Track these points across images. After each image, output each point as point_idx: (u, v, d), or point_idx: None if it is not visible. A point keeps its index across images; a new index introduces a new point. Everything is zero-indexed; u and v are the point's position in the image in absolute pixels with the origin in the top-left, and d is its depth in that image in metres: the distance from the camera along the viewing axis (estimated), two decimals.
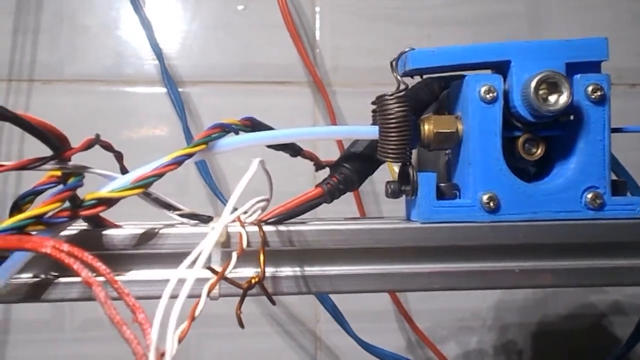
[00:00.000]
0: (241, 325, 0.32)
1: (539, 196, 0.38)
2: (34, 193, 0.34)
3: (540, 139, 0.39)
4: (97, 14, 0.77)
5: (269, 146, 0.39)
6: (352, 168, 0.40)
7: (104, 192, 0.33)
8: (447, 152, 0.41)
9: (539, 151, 0.39)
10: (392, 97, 0.36)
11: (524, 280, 0.38)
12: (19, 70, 0.76)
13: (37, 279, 0.35)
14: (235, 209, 0.34)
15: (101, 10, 0.77)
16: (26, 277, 0.35)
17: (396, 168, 0.39)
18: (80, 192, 0.33)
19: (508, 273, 0.38)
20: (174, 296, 0.31)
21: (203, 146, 0.35)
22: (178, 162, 0.34)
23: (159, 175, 0.33)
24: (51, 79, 0.76)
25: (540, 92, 0.37)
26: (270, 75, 0.78)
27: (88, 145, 0.32)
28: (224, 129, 0.36)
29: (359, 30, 0.80)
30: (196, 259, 0.30)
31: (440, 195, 0.38)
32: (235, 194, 0.33)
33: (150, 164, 0.34)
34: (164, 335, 0.27)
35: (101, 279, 0.27)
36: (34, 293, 0.35)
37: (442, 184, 0.38)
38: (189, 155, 0.34)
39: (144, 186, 0.33)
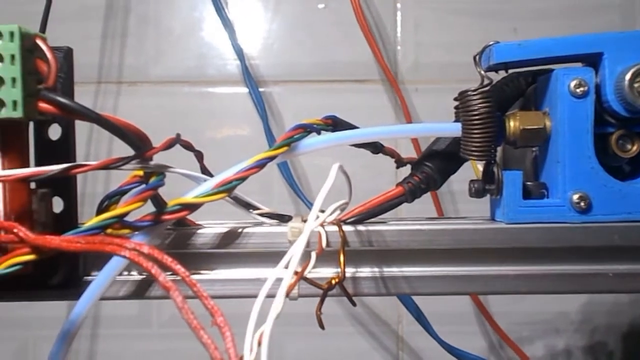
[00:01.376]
0: (321, 326, 0.31)
1: (635, 196, 0.36)
2: (119, 193, 0.35)
3: (635, 135, 0.36)
4: (181, 17, 0.78)
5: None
6: (434, 166, 0.39)
7: (188, 197, 0.33)
8: (534, 149, 0.39)
9: (635, 148, 0.36)
10: (475, 93, 0.35)
11: (618, 284, 0.36)
12: (107, 72, 0.78)
13: (134, 277, 0.36)
14: (322, 211, 0.34)
15: (185, 12, 0.79)
16: (125, 274, 0.36)
17: (480, 166, 0.38)
18: (162, 191, 0.33)
19: (601, 277, 0.36)
20: (252, 296, 0.32)
21: (285, 148, 0.35)
22: (260, 165, 0.34)
23: (242, 179, 0.33)
24: (137, 81, 0.78)
25: (635, 85, 0.34)
26: (351, 73, 0.78)
27: (169, 145, 0.33)
28: (306, 130, 0.36)
29: (442, 26, 0.78)
30: (287, 264, 0.30)
31: (527, 194, 0.36)
32: (318, 201, 0.33)
33: (233, 168, 0.34)
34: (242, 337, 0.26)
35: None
36: (134, 291, 0.36)
37: (528, 183, 0.37)
38: (271, 158, 0.34)
39: (227, 191, 0.33)
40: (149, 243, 0.32)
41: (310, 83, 0.78)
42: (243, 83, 0.77)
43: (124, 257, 0.26)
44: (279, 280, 0.31)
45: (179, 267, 0.27)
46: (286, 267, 0.31)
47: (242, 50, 0.77)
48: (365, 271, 0.36)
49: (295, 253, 0.31)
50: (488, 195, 0.38)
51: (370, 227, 0.36)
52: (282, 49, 0.78)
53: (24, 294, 0.35)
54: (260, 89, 0.77)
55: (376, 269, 0.36)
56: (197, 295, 0.26)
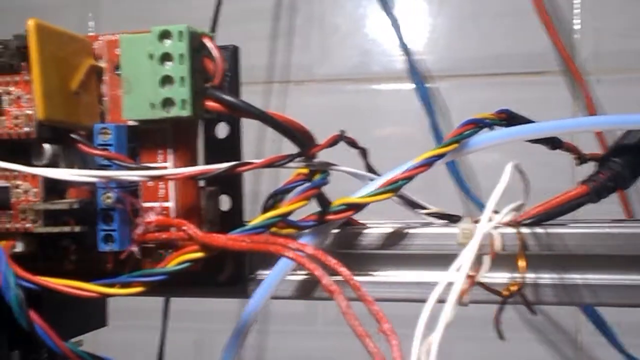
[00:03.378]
0: (501, 336, 0.29)
1: None
2: (283, 191, 0.35)
3: None
4: (346, 14, 0.78)
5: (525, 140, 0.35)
6: (623, 163, 0.35)
7: (353, 197, 0.32)
8: None
9: None
10: None
11: None
12: (276, 72, 0.80)
13: (301, 277, 0.35)
14: (495, 212, 0.31)
15: (349, 9, 0.78)
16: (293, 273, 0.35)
17: None
18: (326, 189, 0.32)
19: None
20: (418, 300, 0.30)
21: (455, 145, 0.32)
22: (428, 164, 0.32)
23: (409, 178, 0.32)
24: (303, 80, 0.79)
25: None
26: (522, 65, 0.74)
27: (333, 142, 0.32)
28: (478, 125, 0.33)
29: (626, 10, 0.71)
30: (459, 268, 0.28)
31: None
32: (492, 201, 0.30)
33: (399, 166, 0.32)
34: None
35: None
36: (301, 290, 0.35)
37: None
38: (440, 156, 0.32)
39: (393, 190, 0.31)
40: (313, 243, 0.31)
41: (479, 77, 0.75)
42: (408, 79, 0.75)
43: (288, 257, 0.25)
44: (449, 285, 0.29)
45: (343, 269, 0.26)
46: (457, 270, 0.29)
47: (408, 45, 0.75)
48: (545, 278, 0.33)
49: (467, 256, 0.29)
50: None
51: (550, 230, 0.33)
52: (448, 42, 0.76)
53: (194, 290, 0.35)
54: (427, 85, 0.75)
55: (556, 276, 0.33)
56: (362, 299, 0.25)
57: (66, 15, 0.85)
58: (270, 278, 0.32)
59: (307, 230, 0.32)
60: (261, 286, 0.32)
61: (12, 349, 0.36)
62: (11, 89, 0.31)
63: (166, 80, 0.29)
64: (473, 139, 0.33)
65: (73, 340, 0.39)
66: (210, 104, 0.29)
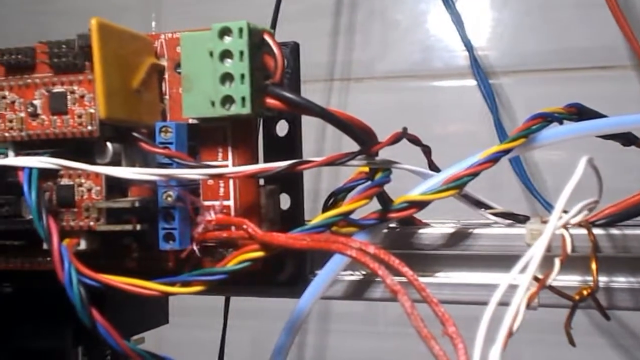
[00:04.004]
0: (572, 342, 0.27)
1: None
2: (345, 190, 0.34)
3: None
4: (407, 9, 0.77)
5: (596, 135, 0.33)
6: None
7: (416, 194, 0.31)
8: None
9: None
10: None
11: None
12: (336, 70, 0.79)
13: (353, 277, 0.35)
14: (565, 211, 0.30)
15: (411, 4, 0.77)
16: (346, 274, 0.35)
17: None
18: (387, 188, 0.32)
19: None
20: (484, 303, 0.29)
21: (522, 140, 0.31)
22: (494, 160, 0.31)
23: (474, 175, 0.31)
24: (364, 77, 0.78)
25: None
26: (591, 59, 0.71)
27: (395, 140, 0.31)
28: (546, 119, 0.32)
29: None
30: (525, 267, 0.27)
31: None
32: (562, 200, 0.29)
33: (463, 162, 0.31)
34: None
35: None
36: (353, 291, 0.35)
37: None
38: (506, 152, 0.31)
39: (457, 187, 0.30)
40: (373, 242, 0.31)
41: (544, 72, 0.72)
42: (471, 75, 0.74)
43: (350, 256, 0.25)
44: (512, 287, 0.28)
45: (406, 270, 0.25)
46: (523, 272, 0.28)
47: (470, 41, 0.73)
48: (620, 281, 0.31)
49: (534, 257, 0.28)
50: None
51: (626, 231, 0.31)
52: (512, 37, 0.74)
53: (254, 289, 0.35)
54: (490, 81, 0.73)
55: (633, 279, 0.31)
56: (427, 301, 0.24)
57: (129, 17, 0.86)
58: (320, 277, 0.31)
59: (365, 229, 0.31)
60: (311, 285, 0.31)
61: (76, 345, 0.37)
62: (75, 88, 0.31)
63: (226, 77, 0.29)
64: (541, 134, 0.32)
65: (134, 337, 0.39)
66: (271, 101, 0.29)
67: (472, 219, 0.37)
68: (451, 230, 0.34)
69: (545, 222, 0.31)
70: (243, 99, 0.28)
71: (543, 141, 0.32)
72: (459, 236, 0.34)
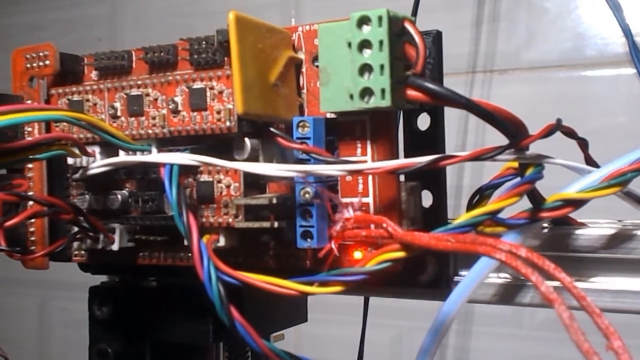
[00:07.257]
0: None
1: None
2: (492, 187, 0.32)
3: None
4: None
5: None
6: None
7: (571, 192, 0.28)
8: None
9: None
10: None
11: None
12: (478, 61, 0.76)
13: (500, 280, 0.33)
14: None
15: None
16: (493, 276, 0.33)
17: None
18: (539, 185, 0.29)
19: None
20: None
21: None
22: None
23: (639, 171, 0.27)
24: (508, 68, 0.75)
25: None
26: None
27: (548, 132, 0.28)
28: None
29: None
30: None
31: None
32: None
33: (625, 157, 0.28)
34: None
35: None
36: (501, 295, 0.33)
37: None
38: None
39: (620, 184, 0.28)
40: (523, 244, 0.28)
41: None
42: (628, 63, 0.68)
43: (500, 260, 0.23)
44: None
45: (563, 276, 0.22)
46: None
47: (629, 26, 0.68)
48: None
49: None
50: None
51: None
52: None
53: (394, 290, 0.34)
54: None
55: None
56: (587, 311, 0.22)
57: (269, 15, 0.88)
58: (467, 279, 0.29)
59: (514, 230, 0.29)
60: (457, 288, 0.29)
61: (216, 340, 0.37)
62: (214, 83, 0.31)
63: (365, 68, 0.27)
64: None
65: (274, 334, 0.39)
66: (412, 92, 0.28)
67: (635, 219, 0.33)
68: (611, 232, 0.31)
69: None
70: (382, 90, 0.27)
71: None
72: (620, 238, 0.31)
